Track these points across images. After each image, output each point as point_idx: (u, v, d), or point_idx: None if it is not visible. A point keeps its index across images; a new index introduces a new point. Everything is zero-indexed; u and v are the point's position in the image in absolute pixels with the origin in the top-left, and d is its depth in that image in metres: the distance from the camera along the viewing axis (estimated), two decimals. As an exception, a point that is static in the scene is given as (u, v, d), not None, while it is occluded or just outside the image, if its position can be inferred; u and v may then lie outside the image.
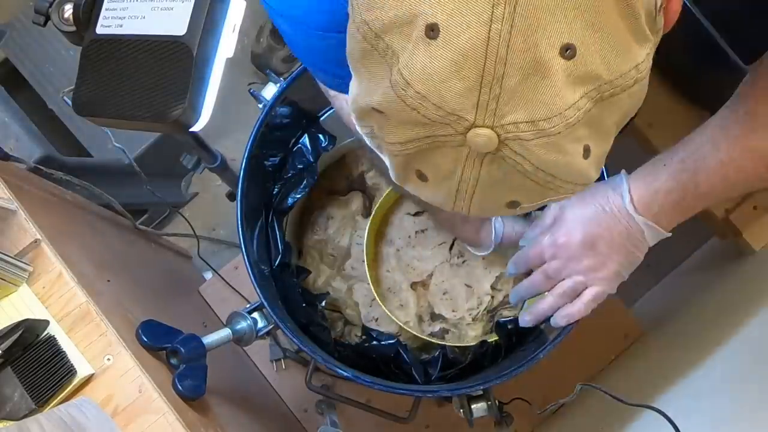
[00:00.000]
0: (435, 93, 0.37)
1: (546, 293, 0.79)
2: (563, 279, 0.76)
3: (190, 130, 0.49)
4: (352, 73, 0.43)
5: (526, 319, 0.82)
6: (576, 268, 0.74)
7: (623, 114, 0.41)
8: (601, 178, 0.77)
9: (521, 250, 0.83)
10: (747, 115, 0.64)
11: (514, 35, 0.34)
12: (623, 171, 0.74)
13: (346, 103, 0.68)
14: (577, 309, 0.75)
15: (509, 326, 0.94)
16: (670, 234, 0.73)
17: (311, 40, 0.57)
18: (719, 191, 0.69)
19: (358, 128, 0.45)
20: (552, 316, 0.79)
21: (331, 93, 0.73)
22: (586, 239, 0.72)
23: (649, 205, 0.70)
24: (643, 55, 0.39)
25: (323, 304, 1.04)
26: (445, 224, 0.96)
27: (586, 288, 0.75)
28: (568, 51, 0.36)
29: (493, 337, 0.99)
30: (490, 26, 0.34)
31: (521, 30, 0.34)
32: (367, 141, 0.46)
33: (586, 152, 0.40)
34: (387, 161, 0.45)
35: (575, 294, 0.76)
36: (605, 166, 0.75)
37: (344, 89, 0.61)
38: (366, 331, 1.00)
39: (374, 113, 0.41)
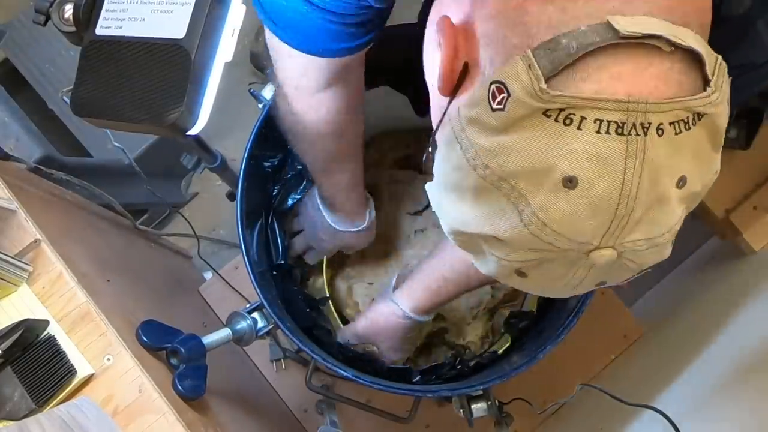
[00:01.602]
0: (570, 231, 0.41)
1: None
2: None
3: (188, 133, 0.49)
4: (448, 195, 0.46)
5: None
6: None
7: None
8: None
9: None
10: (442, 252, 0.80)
11: (642, 179, 0.39)
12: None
13: (291, 60, 0.69)
14: None
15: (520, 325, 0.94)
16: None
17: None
18: (453, 292, 0.87)
19: (451, 239, 0.49)
20: None
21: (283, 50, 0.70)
22: None
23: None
24: (719, 160, 0.44)
25: (325, 306, 1.04)
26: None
27: None
28: (681, 182, 0.41)
29: (502, 346, 1.00)
30: (624, 176, 0.39)
31: (648, 174, 0.39)
32: (458, 245, 0.49)
33: (671, 242, 0.45)
34: (484, 264, 0.48)
35: None
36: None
37: (307, 48, 0.64)
38: None
39: (492, 240, 0.44)
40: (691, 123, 0.40)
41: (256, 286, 0.85)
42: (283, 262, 1.01)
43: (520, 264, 0.45)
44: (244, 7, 0.54)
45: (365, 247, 1.03)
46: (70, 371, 0.65)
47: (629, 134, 0.38)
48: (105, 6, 0.49)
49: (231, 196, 1.17)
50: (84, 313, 0.67)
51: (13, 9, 1.55)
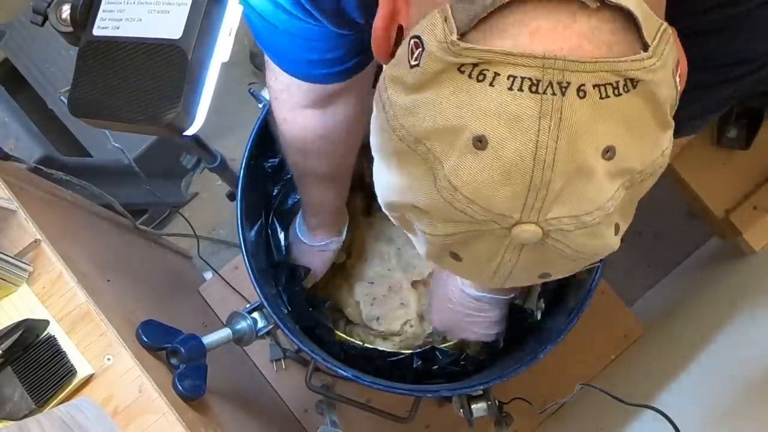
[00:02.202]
0: (483, 198, 0.38)
1: None
2: None
3: (184, 134, 0.49)
4: (378, 163, 0.44)
5: None
6: None
7: (646, 191, 0.43)
8: None
9: None
10: None
11: (560, 144, 0.36)
12: None
13: (275, 71, 0.68)
14: None
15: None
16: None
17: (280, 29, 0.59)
18: None
19: (387, 214, 0.47)
20: None
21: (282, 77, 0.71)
22: None
23: None
24: (667, 140, 0.41)
25: (327, 305, 1.04)
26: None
27: None
28: (608, 152, 0.38)
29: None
30: (538, 138, 0.36)
31: (566, 139, 0.36)
32: (394, 222, 0.47)
33: (617, 230, 0.42)
34: (418, 243, 0.46)
35: None
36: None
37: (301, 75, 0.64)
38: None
39: (415, 209, 0.43)
40: (622, 89, 0.36)
41: (256, 286, 0.85)
42: (283, 261, 1.01)
43: (445, 240, 0.42)
44: (241, 7, 0.54)
45: (319, 271, 1.02)
46: (70, 371, 0.65)
47: (544, 93, 0.36)
48: (102, 6, 0.49)
49: (231, 196, 1.17)
50: (84, 313, 0.67)
51: (13, 9, 1.56)
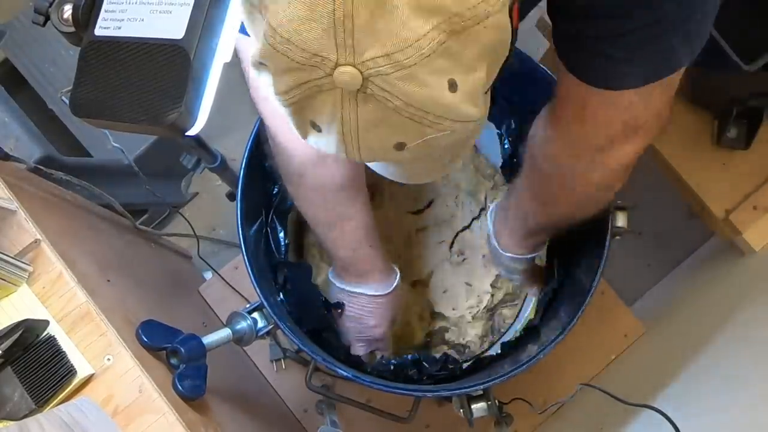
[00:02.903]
0: (297, 36, 0.40)
1: None
2: None
3: (186, 134, 0.49)
4: (249, 37, 0.46)
5: None
6: None
7: (485, 47, 0.43)
8: None
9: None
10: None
11: None
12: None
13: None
14: None
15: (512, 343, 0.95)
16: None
17: None
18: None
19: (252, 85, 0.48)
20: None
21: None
22: None
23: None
24: None
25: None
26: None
27: None
28: None
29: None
30: None
31: None
32: (280, 106, 0.49)
33: (452, 86, 0.42)
34: (287, 118, 0.48)
35: None
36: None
37: None
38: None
39: (261, 66, 0.45)
40: None
41: (256, 286, 0.85)
42: (283, 261, 1.01)
43: (288, 97, 0.44)
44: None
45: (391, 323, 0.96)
46: (70, 371, 0.65)
47: None
48: (104, 6, 0.49)
49: (231, 196, 1.17)
50: (84, 313, 0.67)
51: (13, 9, 1.55)
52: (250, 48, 0.45)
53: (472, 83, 0.43)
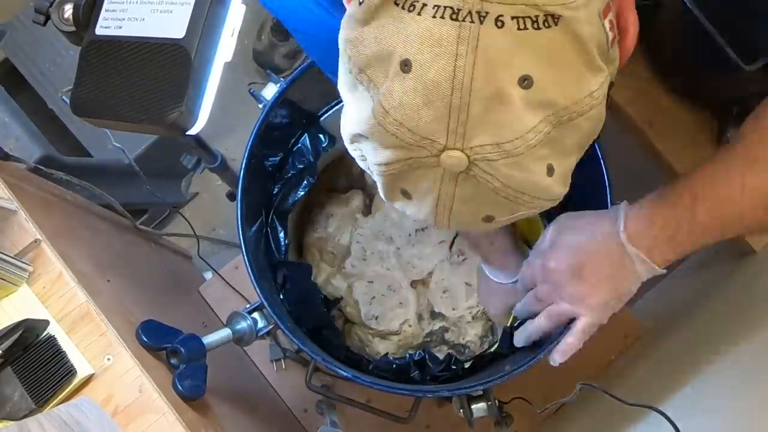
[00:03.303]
0: (410, 120, 0.42)
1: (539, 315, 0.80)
2: (552, 303, 0.76)
3: (187, 133, 0.49)
4: (344, 103, 0.48)
5: (518, 339, 0.85)
6: (562, 294, 0.74)
7: (583, 135, 0.45)
8: (603, 204, 0.80)
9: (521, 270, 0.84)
10: (747, 157, 0.64)
11: (477, 69, 0.40)
12: (624, 201, 0.73)
13: None
14: (569, 343, 0.76)
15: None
16: (664, 271, 0.71)
17: (319, 46, 0.60)
18: (714, 230, 0.67)
19: (350, 152, 0.50)
20: (549, 347, 0.79)
21: None
22: (574, 266, 0.72)
23: (643, 236, 0.69)
24: (597, 83, 0.43)
25: (339, 305, 1.04)
26: (474, 248, 0.98)
27: (576, 318, 0.75)
28: (525, 81, 0.40)
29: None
30: (456, 61, 0.40)
31: (482, 64, 0.40)
32: (360, 164, 0.51)
33: (550, 170, 0.44)
34: (377, 182, 0.50)
35: (562, 320, 0.76)
36: (609, 185, 0.76)
37: None
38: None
39: (361, 138, 0.46)
40: (542, 23, 0.39)
41: (256, 286, 0.85)
42: (283, 261, 1.01)
43: (387, 169, 0.45)
44: (243, 7, 0.54)
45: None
46: (70, 371, 0.65)
47: (463, 20, 0.39)
48: (105, 6, 0.49)
49: (231, 196, 1.17)
50: (84, 313, 0.67)
51: (13, 9, 1.55)
52: (348, 117, 0.47)
53: (567, 166, 0.46)
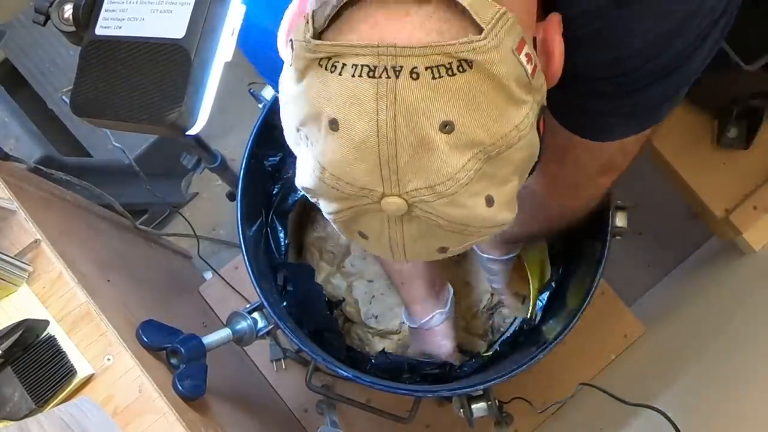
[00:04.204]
0: (346, 175, 0.44)
1: None
2: None
3: (187, 133, 0.49)
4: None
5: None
6: None
7: (517, 165, 0.46)
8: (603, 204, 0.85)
9: None
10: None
11: (398, 121, 0.41)
12: None
13: None
14: None
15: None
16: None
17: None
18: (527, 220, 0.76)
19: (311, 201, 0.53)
20: None
21: None
22: None
23: None
24: (522, 115, 0.44)
25: (342, 305, 1.04)
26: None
27: None
28: (446, 127, 0.42)
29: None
30: (377, 116, 0.41)
31: (403, 116, 0.41)
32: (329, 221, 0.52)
33: (489, 201, 0.46)
34: (335, 226, 0.52)
35: None
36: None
37: None
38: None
39: (309, 191, 0.48)
40: (456, 69, 0.40)
41: (256, 286, 0.85)
42: (283, 262, 1.01)
43: (337, 217, 0.48)
44: (243, 7, 0.54)
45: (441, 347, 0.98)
46: (70, 371, 0.65)
47: (380, 77, 0.41)
48: (104, 6, 0.49)
49: (231, 196, 1.17)
50: (84, 313, 0.67)
51: (13, 9, 1.55)
52: (299, 170, 0.48)
53: (508, 193, 0.47)
